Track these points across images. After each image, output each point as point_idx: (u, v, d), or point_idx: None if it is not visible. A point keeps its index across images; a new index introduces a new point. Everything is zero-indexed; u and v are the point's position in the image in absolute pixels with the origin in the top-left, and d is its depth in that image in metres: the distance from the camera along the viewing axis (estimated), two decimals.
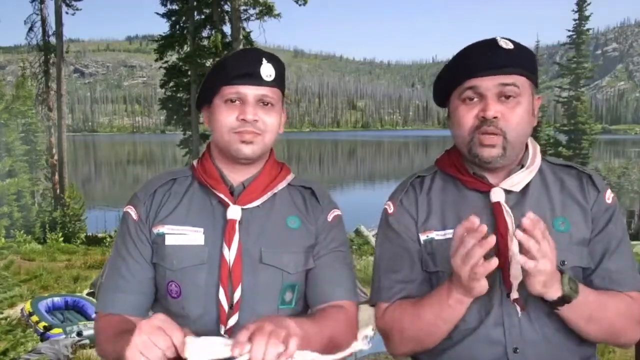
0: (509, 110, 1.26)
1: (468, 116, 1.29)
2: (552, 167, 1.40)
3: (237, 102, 1.33)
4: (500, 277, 1.27)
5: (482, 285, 1.15)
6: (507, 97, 1.26)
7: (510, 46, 1.27)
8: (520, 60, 1.27)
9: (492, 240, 1.09)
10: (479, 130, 1.27)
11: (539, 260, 1.09)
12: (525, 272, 1.15)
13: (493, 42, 1.28)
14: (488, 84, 1.26)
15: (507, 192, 1.32)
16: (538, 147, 1.40)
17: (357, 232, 18.47)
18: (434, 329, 1.27)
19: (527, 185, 1.34)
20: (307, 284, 1.40)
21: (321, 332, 1.23)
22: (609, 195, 1.35)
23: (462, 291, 1.18)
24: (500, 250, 1.26)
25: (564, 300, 1.18)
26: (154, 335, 0.98)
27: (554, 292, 1.16)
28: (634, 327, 1.28)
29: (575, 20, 28.19)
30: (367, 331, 1.03)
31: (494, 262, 1.11)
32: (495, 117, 1.25)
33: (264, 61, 1.33)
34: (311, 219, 1.43)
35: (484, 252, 1.09)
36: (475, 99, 1.28)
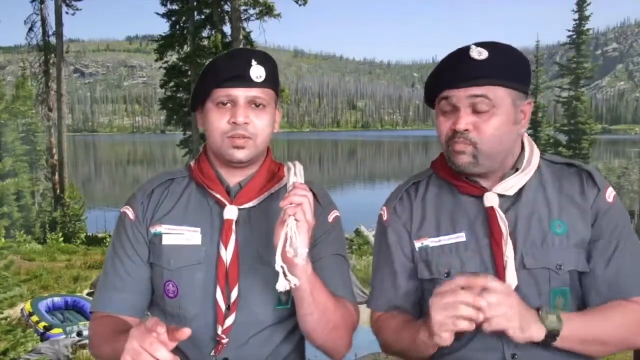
0: (482, 122, 1.23)
1: (444, 127, 1.29)
2: (551, 166, 1.37)
3: (229, 104, 1.32)
4: None
5: (447, 339, 1.09)
6: (480, 108, 1.23)
7: (484, 56, 1.21)
8: (494, 70, 1.21)
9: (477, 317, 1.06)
10: (452, 140, 1.27)
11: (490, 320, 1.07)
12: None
13: (465, 52, 1.24)
14: (459, 95, 1.23)
15: (501, 195, 1.31)
16: (535, 148, 1.37)
17: (357, 232, 18.49)
18: (413, 353, 1.29)
19: (522, 187, 1.32)
20: None
21: (335, 306, 1.28)
22: (610, 194, 1.30)
23: (427, 334, 1.14)
24: (495, 256, 1.26)
25: (552, 334, 1.14)
26: (144, 341, 0.98)
27: (538, 333, 1.12)
28: None
29: (575, 20, 28.17)
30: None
31: (470, 327, 1.07)
32: (466, 130, 1.24)
33: (254, 62, 1.32)
34: None
35: (468, 314, 1.06)
36: (451, 110, 1.27)
